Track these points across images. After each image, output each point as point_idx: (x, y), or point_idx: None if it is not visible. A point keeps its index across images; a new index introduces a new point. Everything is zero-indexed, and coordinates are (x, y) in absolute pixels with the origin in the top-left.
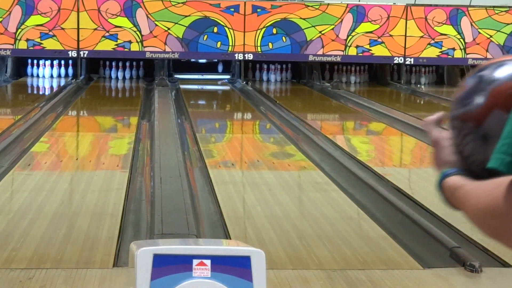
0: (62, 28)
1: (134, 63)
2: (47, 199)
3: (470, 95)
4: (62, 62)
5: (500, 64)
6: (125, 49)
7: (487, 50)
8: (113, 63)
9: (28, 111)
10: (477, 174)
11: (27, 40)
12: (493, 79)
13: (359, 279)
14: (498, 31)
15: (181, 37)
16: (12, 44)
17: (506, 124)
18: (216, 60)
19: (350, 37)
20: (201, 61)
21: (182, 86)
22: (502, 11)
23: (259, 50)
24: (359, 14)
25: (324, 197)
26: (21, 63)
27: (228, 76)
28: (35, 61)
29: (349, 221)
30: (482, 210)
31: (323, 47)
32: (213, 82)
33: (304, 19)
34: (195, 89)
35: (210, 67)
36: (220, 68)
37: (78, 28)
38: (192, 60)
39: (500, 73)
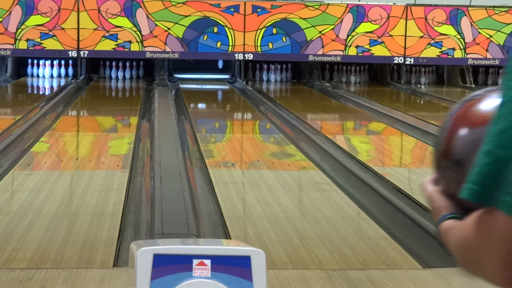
0: (62, 28)
1: (134, 63)
2: (47, 199)
3: (439, 132)
4: (62, 62)
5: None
6: (125, 49)
7: (487, 50)
8: (113, 63)
9: (28, 111)
10: (472, 209)
11: (27, 40)
12: (455, 107)
13: (359, 279)
14: (498, 31)
15: (181, 37)
16: (12, 44)
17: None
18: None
19: (350, 37)
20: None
21: (182, 86)
22: (502, 11)
23: (259, 50)
24: (359, 14)
25: (324, 197)
26: (21, 63)
27: (227, 76)
28: (35, 61)
29: (349, 221)
30: (456, 243)
31: (323, 47)
32: (213, 82)
33: (304, 19)
34: (195, 89)
35: (210, 65)
36: (220, 63)
37: (78, 28)
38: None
39: (462, 100)
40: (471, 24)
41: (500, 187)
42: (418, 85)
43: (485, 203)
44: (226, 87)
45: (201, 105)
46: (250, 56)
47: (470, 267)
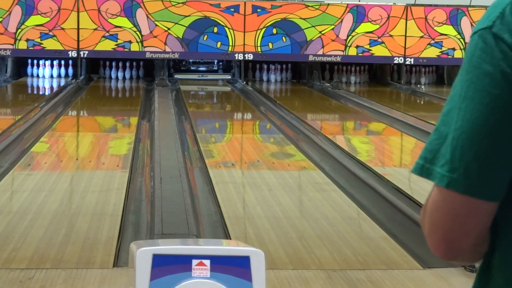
0: (62, 28)
1: (134, 63)
2: (47, 199)
3: None
4: (62, 62)
5: None
6: (125, 49)
7: None
8: (113, 63)
9: (28, 111)
10: None
11: (27, 40)
12: None
13: (359, 279)
14: None
15: (181, 37)
16: (12, 44)
17: None
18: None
19: (350, 37)
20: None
21: (182, 87)
22: None
23: (259, 50)
24: (359, 14)
25: (324, 197)
26: (21, 63)
27: (228, 76)
28: (35, 61)
29: (349, 221)
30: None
31: (323, 47)
32: (213, 82)
33: (304, 19)
34: (195, 89)
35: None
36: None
37: (78, 28)
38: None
39: None
40: (471, 24)
41: (437, 160)
42: (418, 85)
43: (427, 177)
44: (227, 88)
45: (201, 105)
46: (250, 56)
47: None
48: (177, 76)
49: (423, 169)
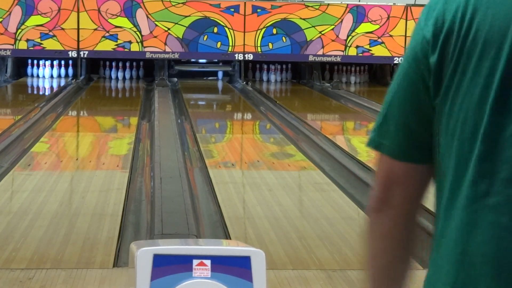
0: (62, 28)
1: (134, 63)
2: (47, 199)
3: None
4: (62, 62)
5: None
6: (125, 49)
7: None
8: (113, 63)
9: (28, 111)
10: None
11: (27, 40)
12: None
13: (359, 279)
14: None
15: (181, 37)
16: (12, 44)
17: None
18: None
19: (350, 37)
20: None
21: (182, 86)
22: None
23: (259, 50)
24: (359, 14)
25: (324, 197)
26: (21, 63)
27: (229, 68)
28: (35, 61)
29: (349, 221)
30: None
31: (323, 47)
32: (214, 82)
33: (304, 19)
34: (195, 89)
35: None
36: (220, 75)
37: (78, 28)
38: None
39: None
40: None
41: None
42: None
43: (377, 149)
44: (227, 94)
45: (201, 105)
46: (250, 57)
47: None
48: (177, 67)
49: (373, 142)
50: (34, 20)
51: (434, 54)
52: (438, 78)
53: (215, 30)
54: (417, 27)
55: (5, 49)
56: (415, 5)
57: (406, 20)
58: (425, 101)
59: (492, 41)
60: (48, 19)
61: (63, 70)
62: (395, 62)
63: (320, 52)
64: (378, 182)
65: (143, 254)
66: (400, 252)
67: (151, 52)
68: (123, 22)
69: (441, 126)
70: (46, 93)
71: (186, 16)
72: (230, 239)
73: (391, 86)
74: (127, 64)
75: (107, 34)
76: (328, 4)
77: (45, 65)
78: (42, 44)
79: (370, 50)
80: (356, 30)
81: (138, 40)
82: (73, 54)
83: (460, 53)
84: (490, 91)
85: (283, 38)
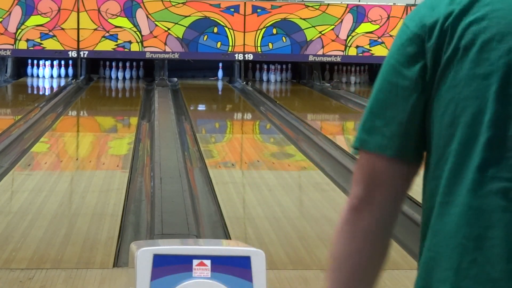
0: (62, 28)
1: (134, 63)
2: (47, 199)
3: None
4: (62, 62)
5: None
6: (125, 49)
7: None
8: (113, 63)
9: (28, 111)
10: None
11: (27, 40)
12: None
13: None
14: None
15: (181, 37)
16: (12, 44)
17: None
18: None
19: (350, 37)
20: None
21: (182, 86)
22: None
23: (259, 50)
24: (359, 14)
25: (324, 197)
26: (21, 63)
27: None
28: (35, 61)
29: None
30: None
31: (323, 47)
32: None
33: (304, 19)
34: (195, 89)
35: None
36: (220, 74)
37: (78, 28)
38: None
39: None
40: None
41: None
42: None
43: (362, 146)
44: (227, 94)
45: (201, 105)
46: (250, 57)
47: None
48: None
49: (358, 140)
50: (34, 20)
51: (431, 39)
52: (434, 64)
53: (215, 30)
54: (410, 17)
55: (5, 49)
56: (415, 5)
57: None
58: (414, 92)
59: (496, 33)
60: (48, 19)
61: (63, 70)
62: None
63: (320, 52)
64: (360, 181)
65: (143, 254)
66: (376, 254)
67: (151, 52)
68: (123, 22)
69: (432, 116)
70: (46, 93)
71: (186, 16)
72: (230, 239)
73: (376, 82)
74: (127, 64)
75: (107, 34)
76: (328, 4)
77: (45, 65)
78: (42, 44)
79: (370, 50)
80: (356, 30)
81: (138, 40)
82: (73, 54)
83: (459, 40)
84: (493, 79)
85: (283, 38)
